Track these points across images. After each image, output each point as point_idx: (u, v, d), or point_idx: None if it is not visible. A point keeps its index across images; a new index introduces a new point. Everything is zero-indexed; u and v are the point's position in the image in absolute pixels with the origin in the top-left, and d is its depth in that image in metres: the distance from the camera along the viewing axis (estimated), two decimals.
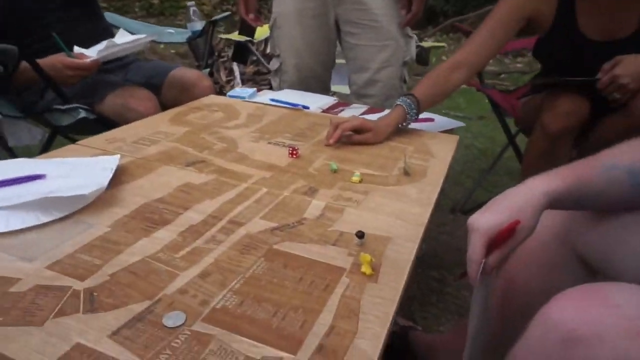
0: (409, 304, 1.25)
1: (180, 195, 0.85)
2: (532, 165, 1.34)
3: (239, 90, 1.71)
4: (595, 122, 1.31)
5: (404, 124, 1.20)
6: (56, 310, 0.56)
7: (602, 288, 0.53)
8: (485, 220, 0.63)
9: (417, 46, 2.07)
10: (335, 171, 0.98)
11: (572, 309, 0.51)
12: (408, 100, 1.19)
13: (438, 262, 1.44)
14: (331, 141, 1.11)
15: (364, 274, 0.64)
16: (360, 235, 0.71)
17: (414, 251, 0.71)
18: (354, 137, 1.14)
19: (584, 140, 1.35)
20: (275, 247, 0.71)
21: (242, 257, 0.68)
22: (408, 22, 1.58)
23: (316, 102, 1.53)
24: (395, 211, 0.83)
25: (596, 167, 0.68)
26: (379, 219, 0.80)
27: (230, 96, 1.61)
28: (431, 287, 1.33)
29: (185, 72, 1.60)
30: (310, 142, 1.16)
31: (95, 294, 0.59)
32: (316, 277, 0.64)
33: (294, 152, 1.05)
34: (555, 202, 0.66)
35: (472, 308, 0.69)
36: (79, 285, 0.61)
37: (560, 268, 0.77)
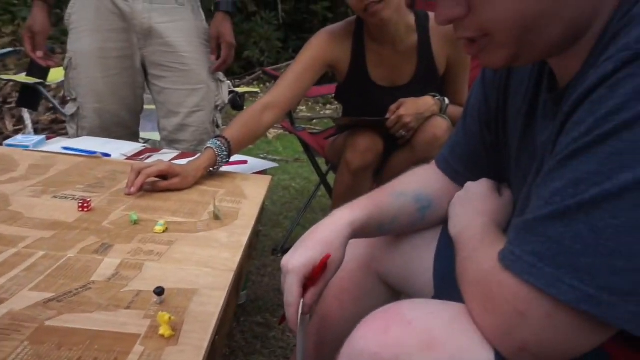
0: (233, 357, 1.17)
1: None
2: (340, 199, 1.43)
3: (21, 137, 1.45)
4: (388, 158, 1.49)
5: (215, 167, 1.16)
6: None
7: (396, 307, 0.55)
8: (298, 259, 0.62)
9: (231, 92, 2.09)
10: (135, 222, 0.87)
11: (373, 333, 0.52)
12: (218, 143, 1.16)
13: (261, 306, 1.40)
14: (132, 189, 1.00)
15: (162, 336, 0.56)
16: (159, 292, 0.62)
17: (222, 301, 0.65)
18: (160, 183, 1.05)
19: (381, 174, 1.51)
20: (47, 323, 0.57)
21: None
22: (218, 67, 1.58)
23: (119, 149, 1.38)
24: (202, 259, 0.76)
25: (389, 195, 0.75)
26: (185, 270, 0.72)
27: (9, 145, 1.35)
28: (255, 334, 1.28)
29: None
30: (108, 192, 1.02)
31: None
32: (101, 352, 0.53)
33: (85, 204, 0.91)
34: (359, 231, 0.69)
35: (297, 350, 0.66)
36: None
37: (368, 295, 0.80)
